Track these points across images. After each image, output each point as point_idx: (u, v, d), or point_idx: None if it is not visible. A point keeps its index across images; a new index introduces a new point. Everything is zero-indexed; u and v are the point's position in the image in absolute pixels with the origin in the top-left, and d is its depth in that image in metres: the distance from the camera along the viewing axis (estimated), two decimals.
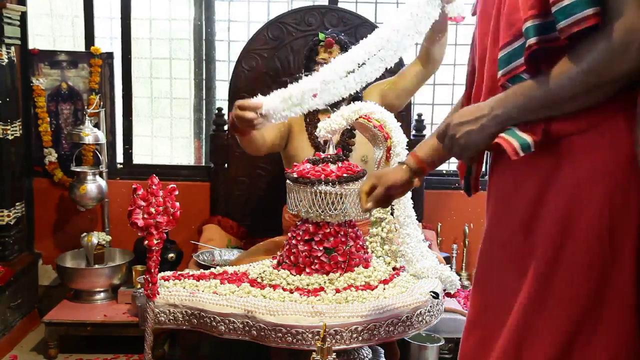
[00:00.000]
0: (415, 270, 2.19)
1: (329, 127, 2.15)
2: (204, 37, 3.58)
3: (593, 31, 1.14)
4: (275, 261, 2.27)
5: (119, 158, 3.54)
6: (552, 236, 1.24)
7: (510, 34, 1.26)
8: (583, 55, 1.16)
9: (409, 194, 2.16)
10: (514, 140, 1.24)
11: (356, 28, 3.19)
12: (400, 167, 1.65)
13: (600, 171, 1.21)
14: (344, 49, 2.68)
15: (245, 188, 3.32)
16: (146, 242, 1.90)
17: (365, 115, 2.18)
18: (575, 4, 1.13)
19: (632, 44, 1.11)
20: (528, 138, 1.24)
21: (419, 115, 3.28)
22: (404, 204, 2.23)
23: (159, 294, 2.00)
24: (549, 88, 1.20)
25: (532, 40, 1.19)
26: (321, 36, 2.70)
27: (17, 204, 3.19)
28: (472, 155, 1.34)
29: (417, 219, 2.29)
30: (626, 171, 1.20)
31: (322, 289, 2.05)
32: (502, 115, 1.26)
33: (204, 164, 3.64)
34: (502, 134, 1.26)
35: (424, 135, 3.18)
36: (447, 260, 2.96)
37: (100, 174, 3.30)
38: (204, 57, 3.60)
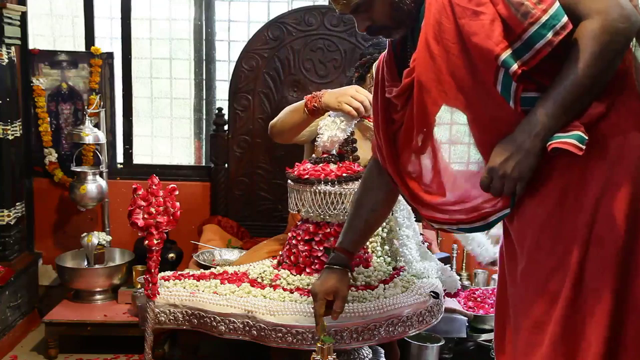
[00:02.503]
0: (415, 271, 2.19)
1: (335, 137, 2.13)
2: (204, 37, 3.58)
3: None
4: (275, 261, 2.27)
5: (119, 158, 3.53)
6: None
7: (492, 71, 1.33)
8: (587, 43, 1.27)
9: None
10: (568, 139, 1.28)
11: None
12: (340, 271, 1.76)
13: (629, 147, 1.30)
14: None
15: (245, 188, 3.32)
16: (146, 242, 1.90)
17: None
18: (555, 14, 1.26)
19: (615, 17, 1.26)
20: (576, 132, 1.28)
21: None
22: (404, 204, 2.23)
23: (159, 294, 1.99)
24: (574, 84, 1.28)
25: (514, 67, 1.29)
26: None
27: (17, 204, 3.19)
28: (526, 182, 1.36)
29: (417, 219, 2.29)
30: None
31: None
32: (541, 132, 1.31)
33: (204, 164, 3.64)
34: (551, 142, 1.30)
35: None
36: (447, 261, 2.95)
37: (101, 174, 3.30)
38: (204, 57, 3.60)
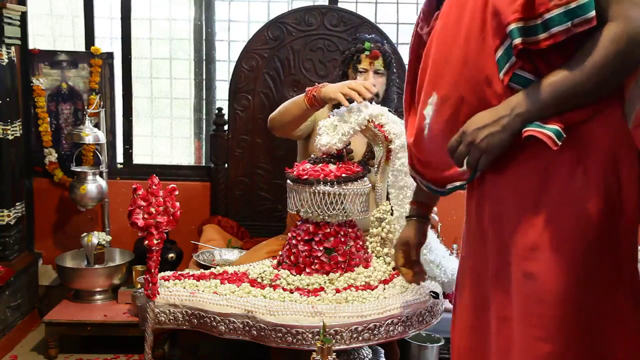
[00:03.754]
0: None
1: (335, 146, 2.13)
2: (204, 37, 3.58)
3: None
4: (275, 261, 2.27)
5: (119, 158, 3.54)
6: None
7: (499, 36, 1.30)
8: (605, 45, 1.21)
9: (408, 194, 2.16)
10: (546, 131, 1.25)
11: (356, 28, 3.19)
12: (411, 223, 1.77)
13: (604, 153, 1.27)
14: (387, 61, 2.62)
15: (245, 188, 3.32)
16: (146, 242, 1.90)
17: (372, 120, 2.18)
18: (581, 6, 1.21)
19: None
20: (557, 126, 1.26)
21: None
22: (404, 205, 2.23)
23: (159, 294, 1.99)
24: (578, 80, 1.24)
25: (517, 41, 1.25)
26: (367, 45, 2.59)
27: (17, 204, 3.19)
28: (494, 158, 1.32)
29: None
30: (625, 152, 1.28)
31: (322, 289, 2.05)
32: (524, 113, 1.27)
33: (204, 164, 3.64)
34: (530, 127, 1.27)
35: None
36: None
37: (101, 174, 3.30)
38: (204, 57, 3.60)
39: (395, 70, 2.74)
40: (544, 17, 1.23)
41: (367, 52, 2.59)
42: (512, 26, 1.25)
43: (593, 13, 1.21)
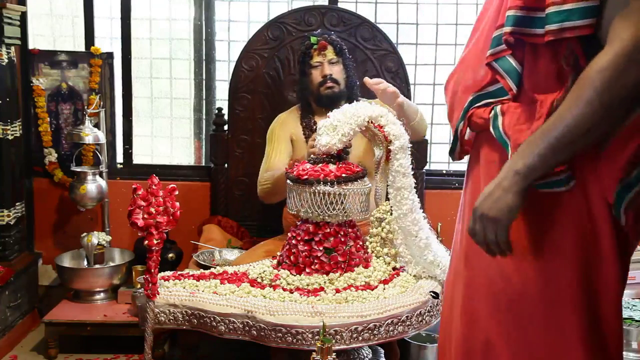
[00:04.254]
0: (416, 271, 2.18)
1: (335, 146, 2.12)
2: (204, 37, 3.58)
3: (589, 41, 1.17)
4: (275, 261, 2.27)
5: (119, 158, 3.54)
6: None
7: (501, 16, 1.29)
8: (592, 76, 1.12)
9: (405, 195, 2.16)
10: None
11: (356, 28, 3.19)
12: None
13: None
14: (337, 49, 2.65)
15: (245, 188, 3.32)
16: (146, 242, 1.90)
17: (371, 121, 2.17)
18: (574, 11, 1.16)
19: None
20: (564, 175, 1.25)
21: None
22: (405, 204, 2.22)
23: (159, 294, 2.00)
24: (569, 122, 1.15)
25: (507, 29, 1.24)
26: (313, 39, 2.66)
27: (17, 204, 3.19)
28: (510, 223, 1.24)
29: None
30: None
31: (322, 289, 2.05)
32: (522, 169, 1.20)
33: (204, 164, 3.64)
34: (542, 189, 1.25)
35: None
36: None
37: (100, 174, 3.30)
38: (204, 57, 3.60)
39: (349, 55, 2.78)
40: (546, 11, 1.19)
41: (315, 46, 2.66)
42: (510, 12, 1.24)
43: (581, 22, 1.15)
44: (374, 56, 3.18)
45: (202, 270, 2.31)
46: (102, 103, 3.38)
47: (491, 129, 1.33)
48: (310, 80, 2.70)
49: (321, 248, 2.11)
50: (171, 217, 1.91)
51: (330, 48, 2.65)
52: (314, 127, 2.68)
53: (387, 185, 2.23)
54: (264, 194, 2.76)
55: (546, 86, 1.27)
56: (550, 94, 1.25)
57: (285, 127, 2.83)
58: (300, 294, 2.02)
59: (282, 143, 2.79)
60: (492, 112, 1.34)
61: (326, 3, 3.41)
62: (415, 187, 2.17)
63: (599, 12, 1.16)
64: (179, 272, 2.22)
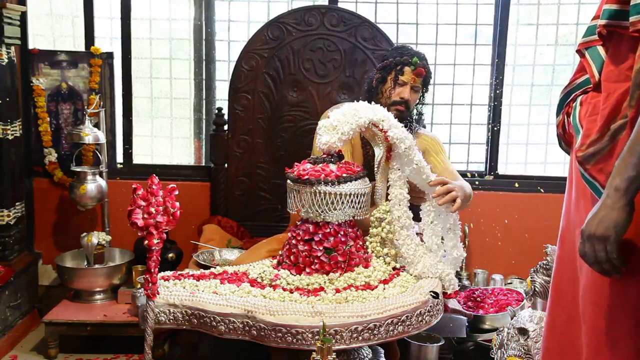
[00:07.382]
0: (417, 272, 2.18)
1: (334, 145, 2.13)
2: (204, 37, 3.58)
3: None
4: (275, 261, 2.27)
5: (119, 158, 3.54)
6: None
7: (599, 8, 1.35)
8: None
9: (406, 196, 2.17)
10: None
11: (356, 28, 3.19)
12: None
13: None
14: (426, 80, 2.59)
15: (245, 188, 3.32)
16: (146, 242, 1.90)
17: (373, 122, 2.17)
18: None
19: None
20: None
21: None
22: (404, 204, 2.23)
23: (159, 294, 1.99)
24: None
25: (601, 22, 1.29)
26: (414, 60, 2.52)
27: (17, 204, 3.19)
28: (619, 239, 1.23)
29: (417, 219, 2.29)
30: None
31: (322, 289, 2.05)
32: (621, 184, 1.21)
33: (204, 164, 3.64)
34: None
35: None
36: None
37: (100, 174, 3.30)
38: (204, 57, 3.60)
39: (428, 88, 2.67)
40: (632, 3, 1.22)
41: (412, 67, 2.53)
42: (606, 6, 1.29)
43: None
44: (374, 56, 3.19)
45: (202, 270, 2.31)
46: (102, 103, 3.38)
47: (571, 118, 1.41)
48: (386, 90, 2.56)
49: (321, 248, 2.11)
50: (171, 217, 1.90)
51: (420, 79, 2.55)
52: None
53: (388, 186, 2.23)
54: None
55: (617, 78, 1.29)
56: (620, 86, 1.27)
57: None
58: (300, 294, 2.02)
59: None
60: (575, 102, 1.42)
61: (326, 3, 3.41)
62: None
63: None
64: (179, 272, 2.22)
